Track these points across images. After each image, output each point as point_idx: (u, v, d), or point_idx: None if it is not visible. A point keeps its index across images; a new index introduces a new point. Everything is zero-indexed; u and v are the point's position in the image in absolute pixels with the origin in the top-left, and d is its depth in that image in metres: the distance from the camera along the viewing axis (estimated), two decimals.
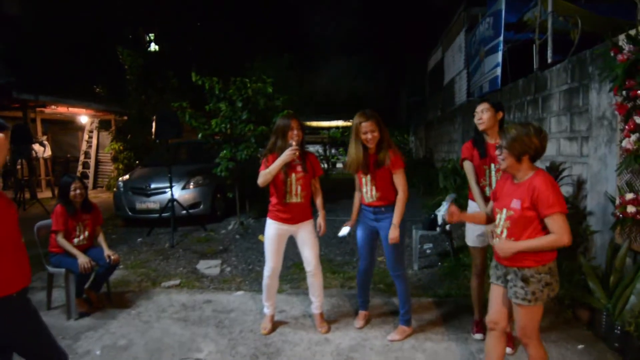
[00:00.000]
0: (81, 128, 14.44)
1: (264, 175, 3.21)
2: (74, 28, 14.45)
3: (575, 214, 4.00)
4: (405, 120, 21.52)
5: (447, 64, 11.87)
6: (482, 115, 3.05)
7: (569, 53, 4.56)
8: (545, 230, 2.21)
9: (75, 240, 3.90)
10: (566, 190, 4.26)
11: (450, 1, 11.35)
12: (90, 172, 13.97)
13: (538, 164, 4.78)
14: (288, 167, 3.25)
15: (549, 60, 5.06)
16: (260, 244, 4.38)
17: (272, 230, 3.36)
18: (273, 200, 3.36)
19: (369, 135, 3.12)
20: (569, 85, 4.41)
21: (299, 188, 3.29)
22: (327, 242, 6.14)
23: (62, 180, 4.01)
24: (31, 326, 2.07)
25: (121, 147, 12.45)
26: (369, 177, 3.21)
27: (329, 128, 20.30)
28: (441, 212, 5.00)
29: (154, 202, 7.30)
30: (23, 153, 10.42)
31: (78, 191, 3.91)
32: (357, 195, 3.39)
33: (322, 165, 16.24)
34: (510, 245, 2.24)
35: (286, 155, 3.13)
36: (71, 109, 12.52)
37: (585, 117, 4.05)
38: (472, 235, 3.19)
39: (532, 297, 2.22)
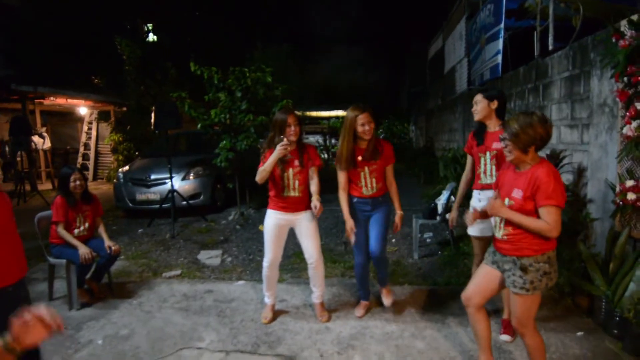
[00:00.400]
0: (80, 119, 14.39)
1: (260, 172, 3.21)
2: (72, 19, 14.35)
3: (576, 202, 4.00)
4: (406, 110, 21.45)
5: (448, 52, 11.78)
6: (476, 106, 3.06)
7: (571, 40, 4.52)
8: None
9: (76, 231, 3.90)
10: (566, 178, 4.25)
11: None
12: (90, 164, 13.95)
13: (540, 152, 4.77)
14: (285, 162, 3.24)
15: (550, 47, 5.02)
16: (261, 233, 4.39)
17: (272, 221, 3.36)
18: (271, 193, 3.37)
19: (367, 127, 3.13)
20: (570, 72, 4.38)
21: (297, 182, 3.28)
22: (327, 232, 6.15)
23: (62, 171, 4.00)
24: None
25: (120, 139, 12.42)
26: (367, 169, 3.22)
27: (329, 118, 20.26)
28: (441, 201, 5.01)
29: (154, 193, 7.30)
30: (22, 145, 10.40)
31: (78, 182, 3.91)
32: (344, 194, 3.32)
33: (323, 156, 16.21)
34: (502, 207, 2.22)
35: (277, 152, 3.11)
36: (70, 100, 12.48)
37: (586, 104, 4.03)
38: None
39: (530, 286, 2.21)
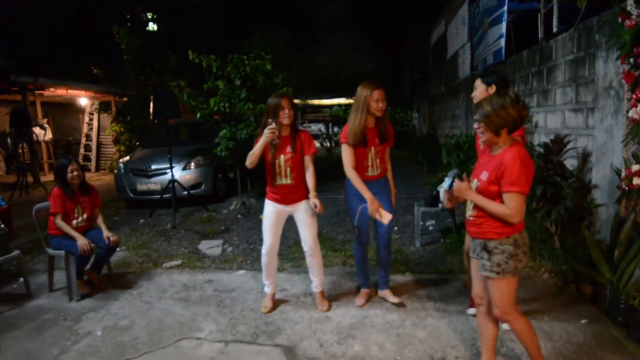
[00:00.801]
0: (82, 110, 14.34)
1: (249, 157, 3.16)
2: (70, 8, 14.21)
3: (580, 187, 3.93)
4: (409, 97, 21.26)
5: (450, 37, 11.61)
6: (475, 92, 2.99)
7: (576, 21, 4.40)
8: None
9: (74, 222, 3.87)
10: (571, 163, 4.18)
11: None
12: (92, 155, 13.95)
13: (542, 137, 4.68)
14: (276, 148, 3.18)
15: (555, 30, 4.90)
16: (262, 223, 4.36)
17: (269, 209, 3.34)
18: (267, 182, 3.33)
19: (381, 104, 3.08)
20: (574, 54, 4.27)
21: (288, 169, 3.22)
22: (328, 220, 6.10)
23: (59, 162, 3.96)
24: None
25: (122, 129, 12.37)
26: (373, 150, 3.19)
27: (331, 106, 20.12)
28: (443, 188, 4.94)
29: (154, 183, 7.27)
30: (24, 136, 10.40)
31: (75, 173, 3.86)
32: (355, 173, 3.20)
33: (325, 144, 16.10)
34: (467, 190, 2.20)
35: (265, 137, 3.05)
36: (70, 91, 12.42)
37: (591, 87, 3.93)
38: None
39: (498, 269, 2.18)
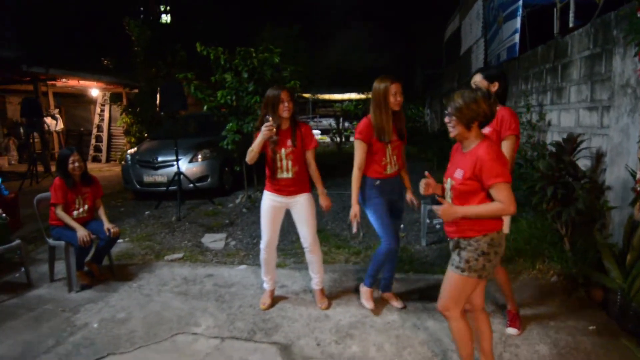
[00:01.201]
0: (93, 102, 14.43)
1: (248, 153, 3.11)
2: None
3: (593, 189, 3.79)
4: (421, 93, 21.01)
5: (465, 32, 11.40)
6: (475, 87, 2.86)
7: (593, 16, 4.24)
8: (490, 199, 2.10)
9: (75, 213, 3.85)
10: (584, 163, 4.03)
11: None
12: (103, 146, 14.03)
13: (555, 136, 4.53)
14: (275, 142, 3.11)
15: (571, 25, 4.74)
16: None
17: (267, 202, 3.27)
18: (267, 174, 3.27)
19: (399, 98, 2.98)
20: (591, 51, 4.12)
21: (290, 163, 3.15)
22: (333, 216, 6.03)
23: (60, 152, 3.95)
24: None
25: (132, 121, 12.40)
26: (390, 146, 3.08)
27: (342, 101, 19.97)
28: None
29: (161, 175, 7.25)
30: (35, 126, 10.48)
31: (77, 164, 3.84)
32: (360, 175, 3.09)
33: (335, 139, 15.99)
34: (454, 209, 2.11)
35: (262, 134, 3.00)
36: (82, 82, 12.47)
37: (608, 85, 3.78)
38: None
39: (465, 266, 2.12)
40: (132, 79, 12.45)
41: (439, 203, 2.15)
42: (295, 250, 4.69)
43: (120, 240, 5.01)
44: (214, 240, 5.17)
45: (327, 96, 21.79)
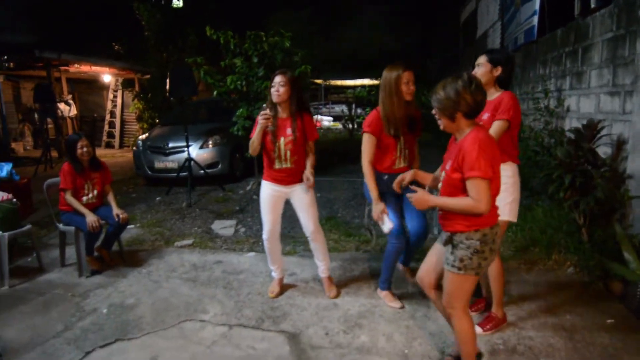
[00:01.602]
0: (106, 87, 14.47)
1: (250, 145, 3.04)
2: None
3: (613, 177, 3.65)
4: (436, 78, 20.63)
5: (481, 15, 11.10)
6: (477, 69, 2.67)
7: None
8: None
9: (84, 198, 3.85)
10: (604, 151, 3.89)
11: None
12: (116, 132, 14.10)
13: (574, 122, 4.37)
14: (275, 132, 3.01)
15: (593, 6, 4.53)
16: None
17: (266, 192, 3.20)
18: (265, 164, 3.18)
19: (411, 87, 2.84)
20: (613, 33, 3.93)
21: (289, 153, 3.05)
22: (345, 204, 5.96)
23: (69, 137, 3.94)
24: None
25: (144, 107, 12.40)
26: (402, 140, 2.92)
27: (354, 87, 19.72)
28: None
29: (172, 161, 7.24)
30: (48, 112, 10.55)
31: (85, 149, 3.82)
32: (371, 169, 2.94)
33: (347, 126, 15.83)
34: (426, 197, 2.08)
35: (259, 124, 2.93)
36: (94, 68, 12.48)
37: (631, 69, 3.61)
38: None
39: (460, 264, 2.04)
40: (144, 64, 12.43)
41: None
42: (305, 238, 4.59)
43: (130, 226, 5.01)
44: (223, 227, 5.15)
45: (339, 82, 21.53)
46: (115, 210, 3.87)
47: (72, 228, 3.80)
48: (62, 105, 12.06)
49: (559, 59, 5.25)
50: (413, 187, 2.15)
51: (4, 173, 5.25)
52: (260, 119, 2.91)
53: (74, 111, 12.81)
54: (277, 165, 3.09)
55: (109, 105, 14.24)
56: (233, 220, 5.39)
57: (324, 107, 22.55)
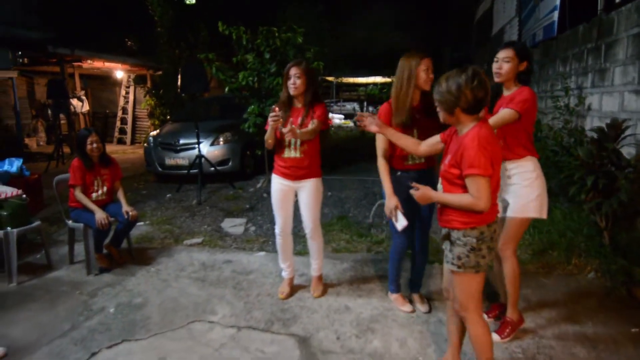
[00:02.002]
0: (119, 83, 14.51)
1: (265, 141, 3.02)
2: None
3: (638, 179, 3.50)
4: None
5: (497, 11, 10.88)
6: (503, 65, 2.54)
7: None
8: None
9: (94, 195, 3.81)
10: (628, 151, 3.74)
11: None
12: (128, 128, 14.14)
13: (596, 121, 4.21)
14: (286, 120, 2.97)
15: (617, 1, 4.36)
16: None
17: (275, 186, 3.16)
18: (275, 153, 3.13)
19: (430, 74, 2.70)
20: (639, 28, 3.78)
21: (298, 141, 3.00)
22: (356, 203, 5.86)
23: (79, 133, 3.89)
24: None
25: (155, 103, 12.41)
26: (416, 132, 2.71)
27: (366, 84, 19.58)
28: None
29: (182, 158, 7.21)
30: (61, 107, 10.60)
31: (95, 145, 3.78)
32: (385, 164, 2.82)
33: (358, 124, 15.70)
34: (428, 193, 2.06)
35: (270, 126, 2.88)
36: (107, 64, 12.52)
37: None
38: None
39: (458, 262, 2.00)
40: (156, 60, 12.43)
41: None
42: None
43: (140, 223, 4.98)
44: (233, 225, 5.09)
45: (351, 79, 21.43)
46: (125, 207, 3.82)
47: (81, 225, 3.76)
48: (74, 101, 12.11)
49: (581, 55, 5.08)
50: (415, 185, 2.11)
51: (14, 169, 5.24)
52: (270, 121, 2.84)
53: (86, 107, 12.87)
54: (286, 154, 3.04)
55: (121, 102, 14.29)
56: (243, 219, 5.33)
57: (335, 104, 22.44)
